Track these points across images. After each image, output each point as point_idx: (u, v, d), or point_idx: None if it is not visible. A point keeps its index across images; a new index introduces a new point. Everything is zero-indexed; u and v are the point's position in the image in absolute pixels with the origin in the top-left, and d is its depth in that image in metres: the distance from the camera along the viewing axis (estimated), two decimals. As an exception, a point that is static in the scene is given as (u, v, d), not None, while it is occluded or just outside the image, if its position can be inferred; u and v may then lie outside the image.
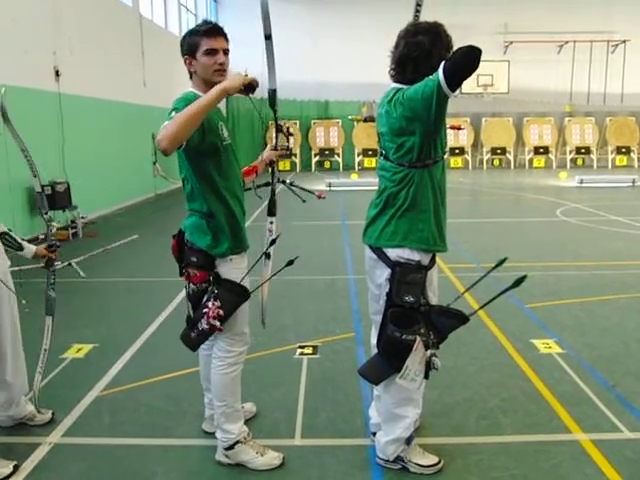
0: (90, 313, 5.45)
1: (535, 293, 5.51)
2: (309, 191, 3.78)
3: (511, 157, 21.57)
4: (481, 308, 2.85)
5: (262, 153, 3.32)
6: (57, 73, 9.89)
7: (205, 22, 2.66)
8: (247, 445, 2.89)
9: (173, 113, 2.41)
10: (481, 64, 2.26)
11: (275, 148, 3.28)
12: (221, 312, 2.69)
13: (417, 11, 2.99)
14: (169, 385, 3.80)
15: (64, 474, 2.87)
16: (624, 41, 21.46)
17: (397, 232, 2.67)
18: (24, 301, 3.18)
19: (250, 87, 2.45)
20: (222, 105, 2.56)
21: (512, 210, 12.14)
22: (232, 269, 2.75)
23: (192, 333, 2.80)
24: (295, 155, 20.95)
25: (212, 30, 2.61)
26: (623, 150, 21.21)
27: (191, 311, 2.85)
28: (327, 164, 21.40)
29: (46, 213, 3.23)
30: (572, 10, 20.97)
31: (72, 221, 9.24)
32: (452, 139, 20.43)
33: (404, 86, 2.59)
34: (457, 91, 2.40)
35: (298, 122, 21.15)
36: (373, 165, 19.59)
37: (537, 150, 21.48)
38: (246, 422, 3.03)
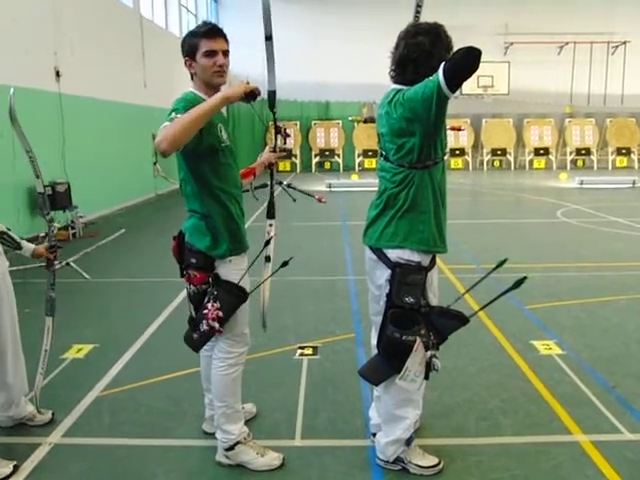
0: (90, 313, 5.45)
1: (535, 294, 5.51)
2: (309, 194, 3.77)
3: (511, 158, 21.58)
4: (481, 309, 2.85)
5: (261, 154, 3.31)
6: (58, 73, 9.91)
7: (204, 23, 2.66)
8: (247, 446, 2.89)
9: (173, 114, 2.42)
10: (481, 65, 2.27)
11: (274, 150, 3.28)
12: (220, 314, 2.69)
13: (417, 12, 2.99)
14: (169, 385, 3.80)
15: (64, 474, 2.87)
16: (624, 42, 21.48)
17: (397, 233, 2.67)
18: (27, 310, 3.18)
19: (252, 95, 2.47)
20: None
21: (512, 211, 12.14)
22: (232, 270, 2.75)
23: (194, 334, 2.81)
24: (295, 156, 20.97)
25: (211, 31, 2.61)
26: (623, 151, 21.21)
27: (193, 312, 2.85)
28: (327, 165, 21.42)
29: (48, 214, 3.23)
30: (572, 11, 21.00)
31: (72, 221, 9.24)
32: (452, 140, 20.43)
33: (404, 87, 2.59)
34: (457, 92, 2.40)
35: (298, 123, 21.18)
36: (373, 166, 19.59)
37: (537, 151, 21.48)
38: (246, 423, 3.03)
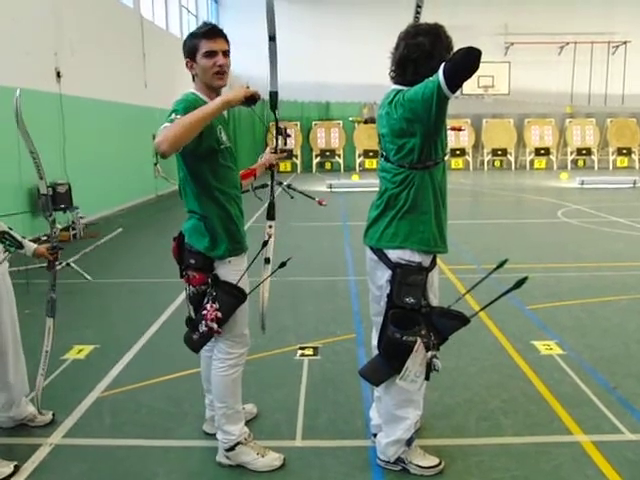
0: (91, 314, 5.45)
1: (536, 294, 5.50)
2: (310, 197, 3.78)
3: (512, 158, 21.57)
4: (482, 309, 2.85)
5: (262, 155, 3.31)
6: (58, 74, 9.91)
7: (205, 24, 2.66)
8: (248, 446, 2.89)
9: (173, 115, 2.42)
10: (482, 65, 2.27)
11: (275, 151, 3.27)
12: (219, 314, 2.69)
13: (417, 12, 2.99)
14: (170, 386, 3.80)
15: (65, 475, 2.87)
16: (625, 42, 21.48)
17: (398, 233, 2.68)
18: (27, 311, 3.18)
19: (252, 99, 2.48)
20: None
21: (513, 211, 12.14)
22: (231, 271, 2.75)
23: (194, 335, 2.81)
24: (296, 156, 20.98)
25: (211, 32, 2.61)
26: (624, 151, 21.21)
27: (192, 313, 2.85)
28: (328, 165, 21.43)
29: (50, 215, 3.23)
30: (573, 11, 21.00)
31: (73, 222, 9.25)
32: (453, 140, 20.43)
33: (404, 87, 2.59)
34: (457, 92, 2.40)
35: (299, 123, 21.18)
36: (374, 166, 19.60)
37: (538, 151, 21.48)
38: (247, 423, 3.03)
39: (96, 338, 4.66)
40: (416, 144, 2.56)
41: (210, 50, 2.59)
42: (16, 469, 2.84)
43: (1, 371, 3.15)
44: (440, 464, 2.83)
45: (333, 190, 15.03)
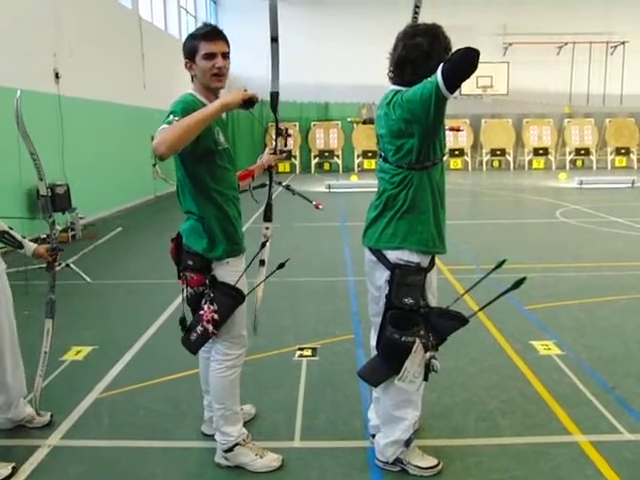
0: (89, 315, 5.45)
1: (535, 294, 5.50)
2: (307, 199, 3.78)
3: (510, 158, 21.58)
4: (481, 310, 2.85)
5: (261, 156, 3.31)
6: (57, 75, 9.90)
7: (205, 25, 2.66)
8: (246, 447, 2.88)
9: (171, 117, 2.42)
10: (480, 65, 2.27)
11: (274, 152, 3.27)
12: (215, 316, 2.69)
13: (415, 13, 3.00)
14: (168, 387, 3.79)
15: (63, 476, 2.87)
16: (623, 42, 21.49)
17: (396, 234, 2.67)
18: (26, 312, 3.17)
19: (249, 102, 2.48)
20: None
21: (512, 211, 12.14)
22: (229, 272, 2.74)
23: (191, 336, 2.80)
24: (295, 157, 20.96)
25: (210, 33, 2.61)
26: (622, 151, 21.22)
27: (190, 314, 2.85)
28: (327, 166, 21.41)
29: (50, 216, 3.23)
30: (571, 11, 21.00)
31: (72, 223, 9.24)
32: (451, 140, 20.44)
33: (403, 88, 2.59)
34: (456, 93, 2.40)
35: (298, 124, 21.17)
36: (373, 167, 19.57)
37: (536, 151, 21.49)
38: (245, 424, 3.03)
39: (94, 339, 4.65)
40: (414, 145, 2.56)
41: (209, 52, 2.59)
42: (14, 471, 2.83)
43: (-1, 372, 3.14)
44: (439, 465, 2.83)
45: (332, 191, 15.03)
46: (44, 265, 3.33)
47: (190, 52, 2.63)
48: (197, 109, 2.45)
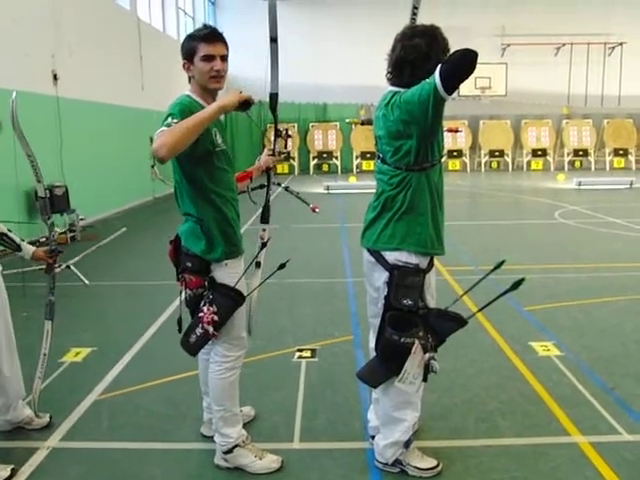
0: (89, 317, 5.44)
1: (533, 295, 5.51)
2: (305, 202, 3.78)
3: (509, 159, 21.59)
4: (480, 311, 2.85)
5: (259, 157, 3.30)
6: (55, 77, 9.90)
7: (205, 27, 2.65)
8: (246, 449, 2.88)
9: (169, 119, 2.42)
10: (479, 66, 2.27)
11: (273, 153, 3.26)
12: (215, 318, 2.69)
13: (414, 14, 3.00)
14: (168, 389, 3.79)
15: (62, 478, 2.87)
16: (621, 43, 21.52)
17: (395, 235, 2.68)
18: (24, 313, 3.17)
19: (246, 104, 2.48)
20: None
21: (510, 212, 12.15)
22: (228, 274, 2.74)
23: (191, 338, 2.80)
24: (293, 158, 20.96)
25: (210, 35, 2.60)
26: (621, 152, 21.24)
27: (189, 316, 2.84)
28: (325, 167, 21.40)
29: (49, 218, 3.23)
30: (569, 12, 21.02)
31: (71, 224, 9.23)
32: (450, 141, 20.44)
33: (401, 89, 2.59)
34: (454, 94, 2.40)
35: (296, 125, 21.16)
36: (371, 168, 19.53)
37: (535, 152, 21.51)
38: (245, 425, 3.03)
39: (93, 341, 4.65)
40: (413, 146, 2.56)
41: (208, 54, 2.58)
42: (13, 472, 2.83)
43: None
44: (438, 466, 2.83)
45: (330, 192, 15.03)
46: (43, 266, 3.33)
47: (189, 53, 2.63)
48: (195, 111, 2.46)
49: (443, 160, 2.79)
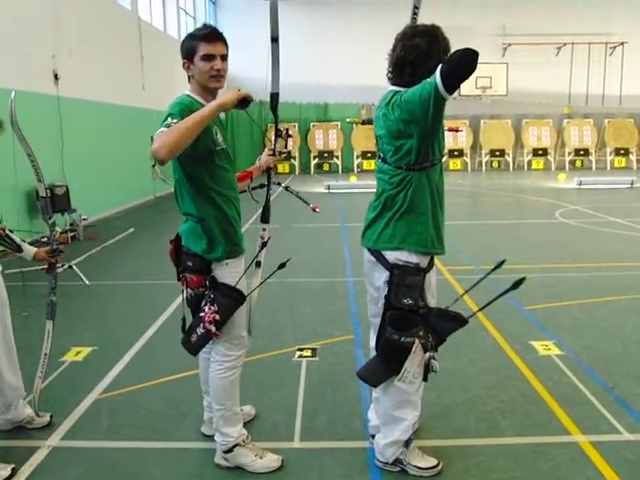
0: (89, 316, 5.45)
1: (534, 295, 5.51)
2: (305, 201, 3.78)
3: (510, 159, 21.58)
4: (480, 310, 2.85)
5: (259, 157, 3.30)
6: (56, 76, 9.90)
7: (205, 26, 2.65)
8: (246, 448, 2.88)
9: (169, 119, 2.42)
10: (479, 66, 2.27)
11: (274, 153, 3.26)
12: (217, 317, 2.69)
13: (414, 13, 3.00)
14: (168, 388, 3.79)
15: (63, 477, 2.87)
16: (622, 43, 21.51)
17: (395, 235, 2.68)
18: (25, 313, 3.17)
19: (244, 102, 2.49)
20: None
21: (511, 212, 12.14)
22: (228, 273, 2.74)
23: (192, 338, 2.80)
24: (294, 158, 20.95)
25: (210, 35, 2.60)
26: (622, 152, 21.22)
27: (190, 316, 2.85)
28: (326, 166, 21.40)
29: (50, 218, 3.23)
30: (570, 12, 21.01)
31: (71, 224, 9.24)
32: (451, 141, 20.44)
33: (402, 89, 2.59)
34: (455, 93, 2.40)
35: (297, 124, 21.16)
36: (372, 167, 19.50)
37: (536, 152, 21.49)
38: (245, 425, 3.03)
39: (94, 340, 4.65)
40: (413, 145, 2.56)
41: (208, 54, 2.58)
42: (14, 472, 2.83)
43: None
44: (438, 465, 2.83)
45: (331, 191, 15.03)
46: (45, 266, 3.33)
47: (189, 52, 2.63)
48: (194, 110, 2.46)
49: (444, 159, 2.79)
